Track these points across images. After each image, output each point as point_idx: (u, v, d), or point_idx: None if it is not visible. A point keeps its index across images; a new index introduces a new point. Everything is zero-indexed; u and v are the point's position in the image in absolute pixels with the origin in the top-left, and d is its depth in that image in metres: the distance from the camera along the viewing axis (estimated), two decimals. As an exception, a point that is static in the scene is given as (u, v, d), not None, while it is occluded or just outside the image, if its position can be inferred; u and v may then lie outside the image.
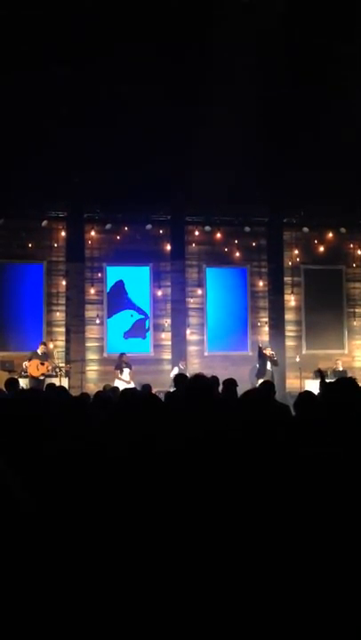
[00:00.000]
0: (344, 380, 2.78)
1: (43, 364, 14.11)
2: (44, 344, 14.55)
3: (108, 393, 8.47)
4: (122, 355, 14.98)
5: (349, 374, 14.60)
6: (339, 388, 2.70)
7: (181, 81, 13.66)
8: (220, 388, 7.59)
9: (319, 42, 12.81)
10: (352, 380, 2.75)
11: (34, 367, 14.03)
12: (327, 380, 7.42)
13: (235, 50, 12.42)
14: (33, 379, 13.81)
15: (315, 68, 13.41)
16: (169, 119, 14.17)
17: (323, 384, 5.84)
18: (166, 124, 14.18)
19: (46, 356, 14.38)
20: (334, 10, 12.17)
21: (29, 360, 14.11)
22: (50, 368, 14.22)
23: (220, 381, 7.82)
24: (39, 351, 14.28)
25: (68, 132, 13.79)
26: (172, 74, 13.49)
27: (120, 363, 14.78)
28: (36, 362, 14.09)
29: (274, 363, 15.12)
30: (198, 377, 3.17)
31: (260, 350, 15.35)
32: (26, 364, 14.11)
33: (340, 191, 15.06)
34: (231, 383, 7.53)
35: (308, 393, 5.33)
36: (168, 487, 2.50)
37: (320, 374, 6.27)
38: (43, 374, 14.06)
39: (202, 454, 2.53)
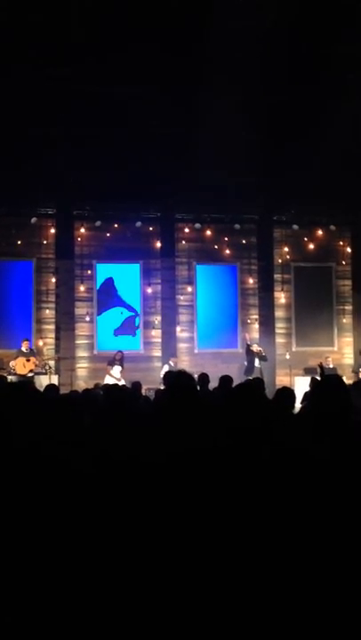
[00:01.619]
0: (331, 378, 2.78)
1: (28, 360, 14.07)
2: (27, 340, 14.49)
3: (98, 391, 8.45)
4: (117, 352, 14.94)
5: (339, 371, 14.64)
6: (326, 385, 2.70)
7: (171, 80, 13.62)
8: (215, 384, 7.58)
9: (315, 42, 12.83)
10: (339, 378, 2.75)
11: (20, 365, 14.00)
12: (312, 376, 7.45)
13: (229, 49, 12.40)
14: (21, 377, 13.77)
15: (309, 69, 13.41)
16: (160, 117, 14.13)
17: (322, 377, 5.89)
18: (157, 121, 14.14)
19: (32, 353, 14.34)
20: (333, 11, 12.17)
21: (15, 359, 14.09)
22: (37, 364, 14.18)
23: (210, 378, 7.83)
24: (23, 348, 14.23)
25: (57, 130, 13.73)
26: (162, 72, 13.45)
27: (113, 359, 14.76)
28: (21, 360, 14.06)
29: (262, 359, 15.15)
30: (181, 374, 3.16)
31: (248, 347, 15.38)
32: (12, 363, 14.07)
33: (329, 189, 15.08)
34: (226, 380, 7.53)
35: (286, 389, 5.37)
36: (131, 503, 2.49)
37: (321, 369, 6.32)
38: (31, 371, 14.03)
39: (184, 465, 2.51)
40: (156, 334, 16.57)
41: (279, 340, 17.04)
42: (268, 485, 2.39)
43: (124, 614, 2.33)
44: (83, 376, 15.84)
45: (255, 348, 15.25)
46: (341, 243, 17.71)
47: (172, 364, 14.97)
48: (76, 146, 14.02)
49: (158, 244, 16.59)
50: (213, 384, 8.15)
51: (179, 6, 11.91)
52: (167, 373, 9.70)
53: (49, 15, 11.77)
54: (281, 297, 17.24)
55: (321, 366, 6.35)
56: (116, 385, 7.52)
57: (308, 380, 10.91)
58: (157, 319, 16.57)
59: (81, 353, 16.14)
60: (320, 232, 17.32)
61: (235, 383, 5.85)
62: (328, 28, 12.51)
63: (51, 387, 8.19)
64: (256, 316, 17.12)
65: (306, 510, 2.29)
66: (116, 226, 16.30)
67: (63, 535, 2.40)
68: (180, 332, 16.70)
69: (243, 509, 2.38)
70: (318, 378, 10.18)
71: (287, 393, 5.17)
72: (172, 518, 2.41)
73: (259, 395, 2.83)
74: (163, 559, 2.36)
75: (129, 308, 16.72)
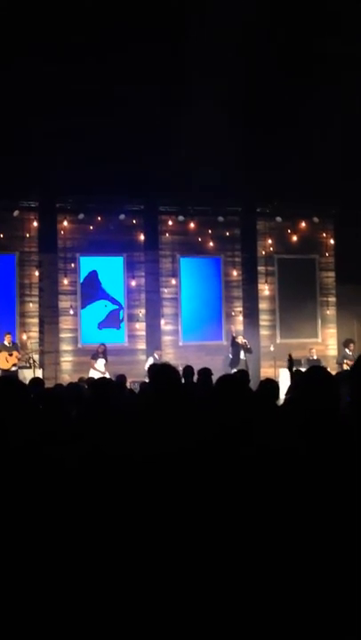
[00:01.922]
0: (315, 370, 2.78)
1: (11, 354, 13.98)
2: (9, 334, 14.39)
3: (82, 385, 8.41)
4: (100, 345, 14.90)
5: (323, 363, 14.70)
6: (310, 376, 2.70)
7: (156, 73, 13.58)
8: (195, 377, 7.59)
9: (301, 34, 12.83)
10: (323, 370, 2.75)
11: (2, 360, 13.92)
12: (296, 369, 7.44)
13: (214, 42, 12.39)
14: (5, 371, 13.69)
15: (294, 61, 13.43)
16: (142, 109, 14.08)
17: (292, 371, 5.87)
18: (139, 113, 14.08)
19: (15, 347, 14.25)
20: (318, 5, 12.18)
21: None
22: (19, 358, 14.10)
23: (194, 371, 7.83)
24: (5, 342, 14.15)
25: (39, 123, 13.63)
26: (147, 65, 13.40)
27: (96, 352, 14.72)
28: (4, 354, 13.97)
29: (247, 351, 15.18)
30: (165, 367, 3.15)
31: (233, 339, 15.40)
32: None
33: (312, 181, 15.10)
34: (206, 372, 7.54)
35: (270, 381, 5.38)
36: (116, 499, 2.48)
37: (290, 361, 6.28)
38: (14, 365, 13.95)
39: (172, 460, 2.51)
40: (141, 327, 16.55)
41: (263, 332, 17.08)
42: (251, 480, 2.38)
43: (113, 607, 2.32)
44: (67, 370, 15.79)
45: (240, 340, 15.28)
46: (325, 235, 17.76)
47: (156, 356, 14.95)
48: (59, 138, 13.92)
49: (142, 237, 16.54)
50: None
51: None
52: (152, 366, 9.70)
53: (26, 8, 11.69)
54: (265, 289, 17.27)
55: (290, 359, 6.30)
56: (103, 378, 7.50)
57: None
58: (142, 312, 16.54)
59: (65, 346, 16.08)
60: (303, 224, 17.35)
61: (219, 376, 5.84)
62: (315, 22, 12.53)
63: (35, 380, 8.15)
64: (240, 309, 17.14)
65: (290, 505, 2.29)
66: (99, 219, 16.22)
67: (53, 530, 2.39)
68: (165, 325, 16.69)
69: (229, 504, 2.38)
70: (302, 370, 10.22)
71: (271, 385, 5.18)
72: (160, 512, 2.40)
73: (240, 388, 2.82)
74: (152, 553, 2.35)
75: (113, 300, 16.67)
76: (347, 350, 15.18)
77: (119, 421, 3.25)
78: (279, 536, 2.25)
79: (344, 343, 15.65)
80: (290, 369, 6.07)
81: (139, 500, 2.45)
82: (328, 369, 3.40)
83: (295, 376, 9.36)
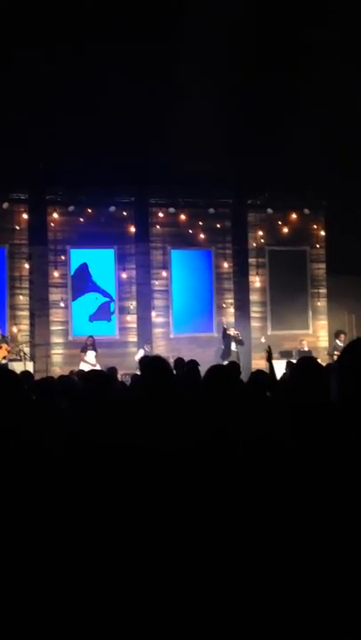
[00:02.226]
0: (305, 361, 2.77)
1: (0, 347, 13.94)
2: None
3: (73, 377, 8.39)
4: (88, 337, 14.89)
5: (314, 354, 14.73)
6: (300, 368, 2.69)
7: (145, 63, 13.51)
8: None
9: (289, 25, 12.80)
10: (313, 360, 2.75)
11: None
12: (288, 360, 7.43)
13: (202, 34, 12.33)
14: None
15: (284, 54, 13.40)
16: (133, 101, 14.02)
17: (270, 362, 5.85)
18: (131, 106, 14.02)
19: (5, 340, 14.20)
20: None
21: None
22: (9, 351, 14.05)
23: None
24: None
25: (29, 115, 13.55)
26: (138, 56, 13.33)
27: (85, 345, 14.70)
28: None
29: (239, 342, 15.20)
30: (156, 360, 3.14)
31: (225, 331, 15.41)
32: None
33: (303, 173, 15.10)
34: (192, 365, 7.50)
35: (261, 372, 5.38)
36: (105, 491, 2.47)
37: (268, 353, 6.25)
38: (4, 358, 13.90)
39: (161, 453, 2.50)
40: (132, 319, 16.52)
41: (254, 323, 17.09)
42: (241, 471, 2.38)
43: (98, 596, 2.31)
44: (58, 362, 15.76)
45: (232, 331, 15.29)
46: (315, 226, 17.77)
47: (146, 349, 14.94)
48: (49, 130, 13.85)
49: (132, 229, 16.49)
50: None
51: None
52: (143, 358, 9.69)
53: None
54: (256, 281, 17.27)
55: (269, 350, 6.28)
56: (94, 370, 7.48)
57: (283, 363, 10.98)
58: (132, 304, 16.51)
59: (56, 339, 16.04)
60: (294, 216, 17.36)
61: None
62: (300, 13, 12.50)
63: (25, 374, 8.13)
64: (231, 301, 17.15)
65: (280, 496, 2.29)
66: (89, 211, 16.15)
67: (46, 518, 2.38)
68: (156, 317, 16.67)
69: (220, 495, 2.38)
70: (293, 361, 10.25)
71: (262, 376, 5.18)
72: (151, 503, 2.40)
73: (230, 378, 2.82)
74: (143, 540, 2.35)
75: (104, 293, 16.63)
76: (338, 341, 15.21)
77: (111, 413, 3.24)
78: (268, 527, 2.25)
79: (335, 334, 15.68)
80: (269, 360, 6.06)
81: (130, 490, 2.44)
82: (319, 360, 3.41)
83: (287, 367, 9.38)
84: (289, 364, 9.97)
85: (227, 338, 15.28)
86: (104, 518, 2.43)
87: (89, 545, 2.39)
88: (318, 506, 2.06)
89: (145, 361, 5.15)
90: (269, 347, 6.76)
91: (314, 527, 2.08)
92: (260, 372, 5.46)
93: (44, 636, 2.27)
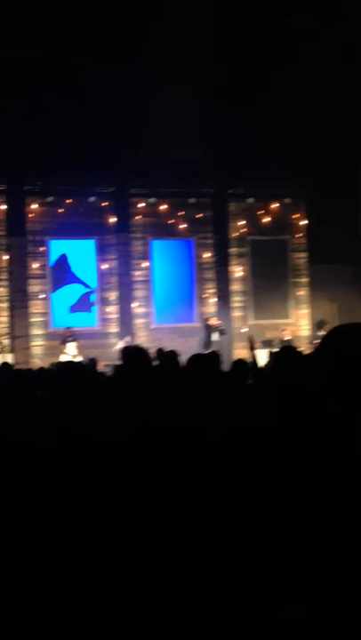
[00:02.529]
0: (286, 348, 2.73)
1: None
2: None
3: (53, 369, 8.32)
4: (66, 329, 14.78)
5: (296, 343, 14.75)
6: (281, 355, 2.65)
7: (124, 50, 13.40)
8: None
9: (268, 13, 12.75)
10: (294, 349, 2.70)
11: None
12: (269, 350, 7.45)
13: (180, 22, 12.25)
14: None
15: (261, 42, 13.34)
16: (112, 89, 13.90)
17: (253, 352, 5.90)
18: (109, 94, 13.90)
19: None
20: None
21: None
22: None
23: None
24: None
25: (6, 104, 13.39)
26: (114, 42, 13.21)
27: (64, 337, 14.60)
28: None
29: (221, 332, 15.17)
30: (137, 350, 3.11)
31: (205, 321, 15.39)
32: None
33: (284, 162, 15.08)
34: (171, 355, 7.43)
35: (241, 361, 5.37)
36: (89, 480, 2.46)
37: (250, 342, 6.29)
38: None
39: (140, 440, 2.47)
40: (113, 310, 16.44)
41: (236, 313, 17.09)
42: (221, 457, 2.34)
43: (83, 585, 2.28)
44: (38, 354, 15.65)
45: (214, 322, 15.27)
46: (297, 216, 17.77)
47: (128, 339, 14.86)
48: (26, 119, 13.71)
49: (113, 220, 16.38)
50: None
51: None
52: (123, 349, 9.61)
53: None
54: (237, 270, 17.26)
55: (251, 340, 6.32)
56: (69, 362, 7.41)
57: (265, 352, 10.97)
58: (113, 295, 16.43)
59: (36, 331, 15.92)
60: (275, 205, 17.35)
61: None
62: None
63: (3, 366, 8.04)
64: (213, 290, 17.12)
65: (261, 481, 2.25)
66: (68, 201, 16.02)
67: (36, 507, 2.37)
68: (137, 308, 16.60)
69: (201, 481, 2.34)
70: (274, 350, 10.21)
71: (242, 365, 5.15)
72: (135, 491, 2.37)
73: (211, 366, 2.79)
74: (125, 530, 2.33)
75: (84, 284, 16.52)
76: (321, 331, 15.24)
77: (88, 402, 3.23)
78: (250, 513, 2.21)
79: (318, 324, 15.72)
80: (251, 349, 6.10)
81: (113, 478, 2.42)
82: (301, 349, 3.36)
83: (269, 357, 9.35)
84: (272, 356, 9.95)
85: (207, 328, 15.26)
86: (95, 504, 2.41)
87: (84, 532, 2.38)
88: (296, 486, 2.02)
89: (125, 351, 5.11)
90: (252, 336, 6.75)
91: (294, 507, 2.04)
92: (240, 360, 5.43)
93: (38, 628, 2.25)
